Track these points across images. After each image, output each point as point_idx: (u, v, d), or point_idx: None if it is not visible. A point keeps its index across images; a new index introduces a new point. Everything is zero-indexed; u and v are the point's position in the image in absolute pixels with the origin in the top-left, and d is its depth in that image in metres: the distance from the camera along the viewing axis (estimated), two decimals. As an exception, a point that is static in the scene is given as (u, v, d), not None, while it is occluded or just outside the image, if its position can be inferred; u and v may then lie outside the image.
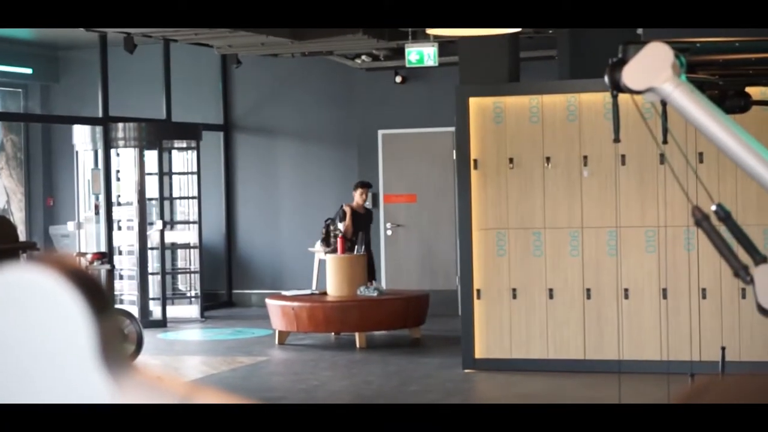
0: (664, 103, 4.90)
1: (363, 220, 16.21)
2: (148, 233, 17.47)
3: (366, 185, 16.50)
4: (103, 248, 16.91)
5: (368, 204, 17.03)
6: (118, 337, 0.96)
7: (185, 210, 18.49)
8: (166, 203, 17.97)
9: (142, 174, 17.35)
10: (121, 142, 17.30)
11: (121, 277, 17.40)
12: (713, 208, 5.07)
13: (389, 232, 18.40)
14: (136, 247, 17.33)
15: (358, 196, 16.28)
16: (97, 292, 0.94)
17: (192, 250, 18.36)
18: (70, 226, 18.31)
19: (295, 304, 15.04)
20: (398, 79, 18.24)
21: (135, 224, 17.35)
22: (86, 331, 0.92)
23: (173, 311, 17.79)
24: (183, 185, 18.34)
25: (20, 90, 19.54)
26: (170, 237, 18.08)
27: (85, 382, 0.94)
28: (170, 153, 18.05)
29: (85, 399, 0.94)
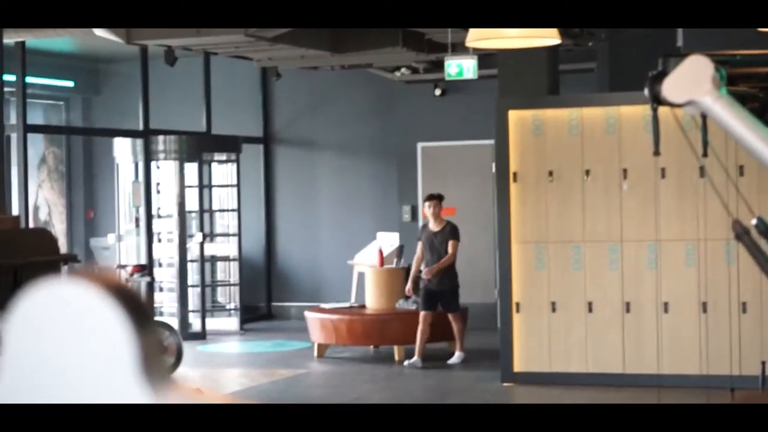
0: (704, 116, 4.89)
1: (434, 238, 14.33)
2: (187, 245, 17.51)
3: (431, 198, 14.59)
4: (143, 260, 16.97)
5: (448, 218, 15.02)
6: (158, 351, 0.97)
7: (225, 222, 18.53)
8: (206, 216, 18.01)
9: (182, 186, 17.40)
10: (161, 155, 17.36)
11: (161, 290, 17.46)
12: (753, 221, 5.05)
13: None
14: (176, 260, 17.38)
15: (429, 210, 14.60)
16: (137, 307, 0.95)
17: (231, 262, 18.40)
18: (111, 238, 18.38)
19: (335, 316, 15.06)
20: (437, 92, 18.24)
21: (175, 236, 17.41)
22: (127, 346, 0.93)
23: (212, 323, 17.83)
24: (223, 198, 18.39)
25: (62, 103, 19.65)
26: (210, 249, 18.11)
27: (126, 395, 0.95)
28: (210, 165, 18.09)
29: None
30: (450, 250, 14.10)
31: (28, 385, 0.97)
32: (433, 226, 14.33)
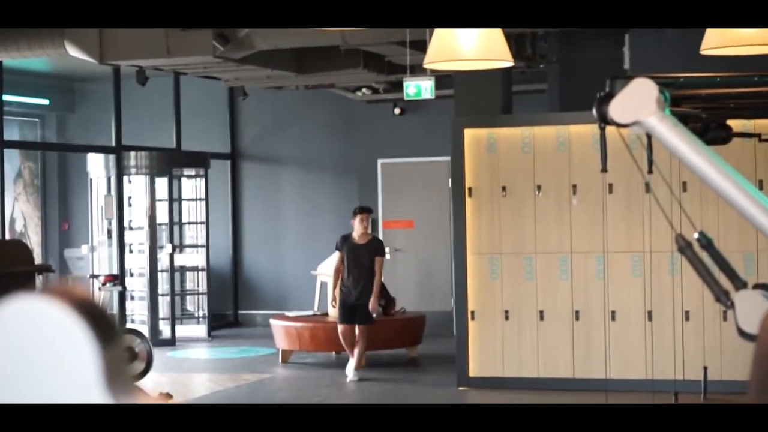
0: (649, 136, 4.91)
1: (359, 251, 13.61)
2: (158, 256, 17.49)
3: (363, 210, 14.05)
4: (116, 270, 16.94)
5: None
6: (123, 364, 0.96)
7: (194, 234, 18.50)
8: (176, 228, 17.98)
9: (152, 200, 17.38)
10: (133, 170, 17.34)
11: (132, 298, 17.42)
12: (696, 235, 5.07)
13: (388, 257, 18.39)
14: (146, 270, 17.35)
15: (357, 224, 13.74)
16: (102, 321, 0.94)
17: (200, 272, 18.36)
18: (84, 249, 18.35)
19: (298, 324, 15.05)
20: (397, 111, 18.29)
21: (146, 248, 17.38)
22: (91, 359, 0.92)
23: (182, 330, 17.80)
24: (192, 211, 18.36)
25: (37, 120, 19.58)
26: (179, 260, 18.08)
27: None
28: (180, 180, 18.07)
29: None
30: (377, 268, 13.50)
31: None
32: (360, 239, 13.66)
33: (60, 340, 0.94)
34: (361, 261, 13.38)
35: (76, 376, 0.94)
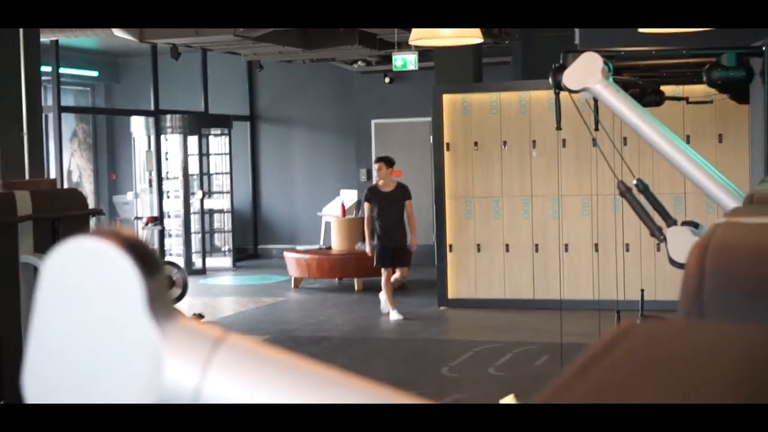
0: (595, 100, 4.90)
1: (387, 199, 11.93)
2: (190, 201, 17.49)
3: (379, 160, 12.31)
4: (156, 213, 16.94)
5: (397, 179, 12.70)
6: (163, 291, 0.96)
7: (220, 183, 18.48)
8: (205, 177, 17.99)
9: (185, 155, 17.37)
10: (168, 130, 17.30)
11: (170, 236, 17.41)
12: (634, 182, 5.08)
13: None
14: (181, 212, 17.35)
15: (375, 173, 12.34)
16: (146, 256, 0.94)
17: (225, 214, 18.37)
18: (129, 196, 18.33)
19: (307, 256, 15.08)
20: (387, 80, 18.24)
21: (180, 194, 17.37)
22: (137, 288, 0.92)
23: (211, 262, 17.84)
24: (218, 163, 18.34)
25: (88, 89, 19.47)
26: (208, 204, 18.08)
27: (136, 328, 0.94)
28: (208, 138, 18.03)
29: (136, 343, 0.94)
30: (409, 210, 11.99)
31: (54, 325, 0.96)
32: (384, 187, 11.99)
33: (110, 272, 0.94)
34: (392, 206, 11.86)
35: (124, 302, 0.94)
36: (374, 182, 12.21)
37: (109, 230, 0.91)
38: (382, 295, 12.17)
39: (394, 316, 11.85)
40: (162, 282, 0.92)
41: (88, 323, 0.94)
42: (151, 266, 0.92)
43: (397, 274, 12.04)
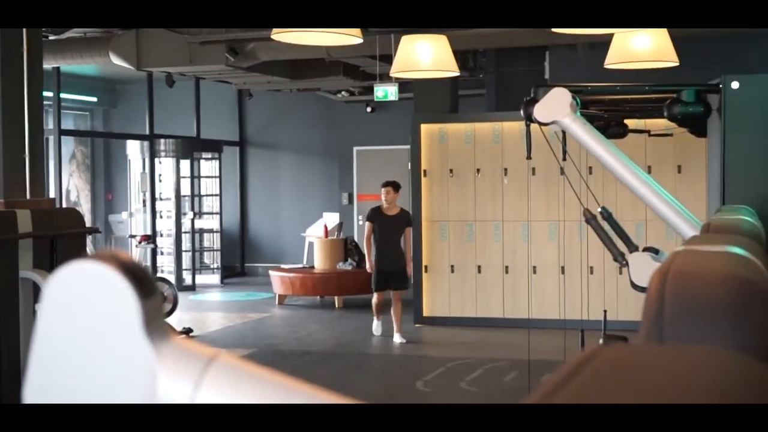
0: (563, 132, 4.92)
1: (389, 222, 11.25)
2: (182, 221, 17.44)
3: (387, 184, 11.49)
4: (149, 232, 16.88)
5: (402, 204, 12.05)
6: (159, 312, 0.96)
7: (210, 204, 18.44)
8: (196, 199, 17.95)
9: (177, 177, 17.33)
10: (162, 153, 17.27)
11: (161, 253, 17.34)
12: (599, 209, 5.10)
13: (361, 222, 18.39)
14: (173, 231, 17.30)
15: (383, 197, 11.44)
16: (142, 278, 0.94)
17: (215, 233, 18.34)
18: (124, 215, 18.30)
19: (291, 274, 15.04)
20: (369, 109, 18.27)
21: (173, 214, 17.33)
22: (133, 309, 0.92)
23: (200, 279, 17.79)
24: (208, 186, 18.30)
25: (87, 113, 19.42)
26: (198, 224, 18.04)
27: (132, 347, 0.94)
28: (199, 162, 18.00)
29: (132, 361, 0.94)
30: (407, 236, 11.44)
31: (55, 341, 0.96)
32: (388, 211, 11.29)
33: (108, 294, 0.93)
34: (393, 230, 11.17)
35: (121, 322, 0.94)
36: (380, 204, 11.54)
37: (108, 254, 0.92)
38: (376, 322, 11.84)
39: (398, 338, 11.28)
40: (157, 304, 0.93)
41: (87, 341, 0.94)
42: (147, 289, 0.93)
43: (393, 306, 11.30)
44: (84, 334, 0.94)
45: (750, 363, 0.93)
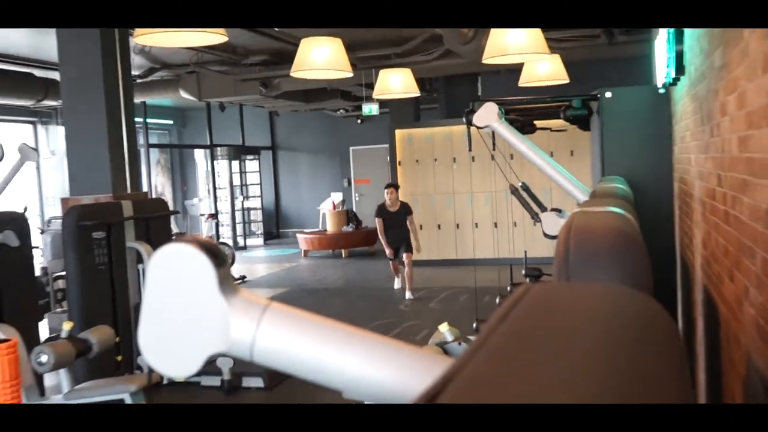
0: (493, 132, 4.91)
1: (394, 217, 9.96)
2: (235, 203, 17.39)
3: (390, 186, 10.19)
4: (213, 211, 16.83)
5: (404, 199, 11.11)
6: (228, 275, 0.95)
7: (253, 190, 18.41)
8: (243, 187, 17.92)
9: (230, 173, 17.27)
10: (219, 157, 17.20)
11: (222, 225, 17.30)
12: (519, 183, 5.09)
13: (357, 198, 18.37)
14: (229, 210, 17.26)
15: (386, 196, 10.10)
16: (216, 253, 0.94)
17: (257, 210, 18.33)
18: (195, 200, 18.21)
19: (311, 236, 15.04)
20: (359, 121, 18.19)
21: (228, 198, 17.27)
22: (211, 274, 0.92)
23: (249, 241, 17.78)
24: (252, 178, 18.27)
25: (166, 131, 19.25)
26: (246, 204, 18.01)
27: (212, 301, 0.93)
28: (244, 162, 17.95)
29: (212, 311, 0.93)
30: (411, 223, 9.98)
31: (159, 298, 0.95)
32: (391, 207, 9.98)
33: (194, 265, 0.93)
34: (396, 222, 9.90)
35: (204, 284, 0.93)
36: (383, 201, 10.18)
37: (193, 238, 0.91)
38: (396, 279, 10.66)
39: (409, 295, 9.92)
40: (228, 270, 0.92)
41: (180, 298, 0.94)
42: (220, 260, 0.92)
43: (406, 269, 10.00)
44: (178, 293, 0.93)
45: (630, 291, 0.94)
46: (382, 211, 10.05)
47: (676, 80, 4.09)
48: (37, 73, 11.01)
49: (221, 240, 16.37)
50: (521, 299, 0.84)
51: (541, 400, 0.50)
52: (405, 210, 10.11)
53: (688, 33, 3.70)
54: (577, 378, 0.56)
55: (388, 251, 9.97)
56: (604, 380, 0.57)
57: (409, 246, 9.96)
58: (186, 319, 0.94)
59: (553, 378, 0.56)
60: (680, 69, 3.79)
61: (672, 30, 3.77)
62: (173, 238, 7.25)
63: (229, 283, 0.94)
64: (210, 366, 6.04)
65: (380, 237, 10.01)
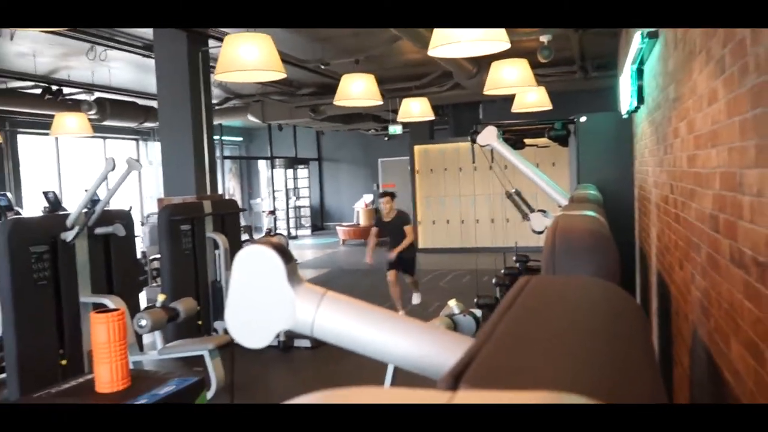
0: (492, 149, 4.88)
1: (388, 226, 7.33)
2: (288, 201, 17.46)
3: (384, 194, 7.46)
4: (272, 208, 16.90)
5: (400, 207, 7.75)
6: (295, 269, 0.96)
7: (304, 192, 18.46)
8: (296, 190, 17.97)
9: (285, 178, 17.34)
10: (277, 166, 17.27)
11: (279, 219, 17.40)
12: (513, 189, 5.06)
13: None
14: (284, 207, 17.33)
15: (381, 206, 7.46)
16: (284, 251, 0.95)
17: (306, 208, 18.37)
18: (259, 200, 18.30)
19: (348, 228, 15.05)
20: (386, 138, 18.11)
21: (284, 198, 17.35)
22: (281, 269, 0.93)
23: (300, 232, 17.83)
24: (302, 183, 18.32)
25: (237, 146, 19.38)
26: (298, 203, 18.08)
27: (282, 290, 0.94)
28: (297, 170, 18.01)
29: (283, 297, 0.94)
30: (407, 233, 7.22)
31: (242, 287, 0.96)
32: (385, 217, 7.38)
33: (268, 262, 0.94)
34: (391, 232, 7.29)
35: (275, 277, 0.94)
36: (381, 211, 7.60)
37: (267, 240, 0.93)
38: (416, 295, 7.75)
39: (416, 299, 7.66)
40: (294, 265, 0.93)
41: (258, 287, 0.95)
42: (288, 257, 0.94)
43: (410, 284, 7.60)
44: (256, 284, 0.95)
45: (605, 283, 0.93)
46: (378, 221, 7.49)
47: (637, 108, 4.04)
48: (140, 101, 11.21)
49: (278, 231, 16.47)
50: (522, 290, 0.84)
51: (545, 372, 0.50)
52: (401, 220, 7.41)
53: (647, 71, 3.65)
54: (568, 353, 0.57)
55: (368, 258, 7.41)
56: (588, 356, 0.57)
57: (409, 265, 7.39)
58: (262, 303, 0.95)
59: (551, 353, 0.56)
60: (641, 99, 3.75)
61: (635, 68, 3.73)
62: (241, 229, 7.27)
63: (295, 275, 0.95)
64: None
65: (369, 242, 7.43)
